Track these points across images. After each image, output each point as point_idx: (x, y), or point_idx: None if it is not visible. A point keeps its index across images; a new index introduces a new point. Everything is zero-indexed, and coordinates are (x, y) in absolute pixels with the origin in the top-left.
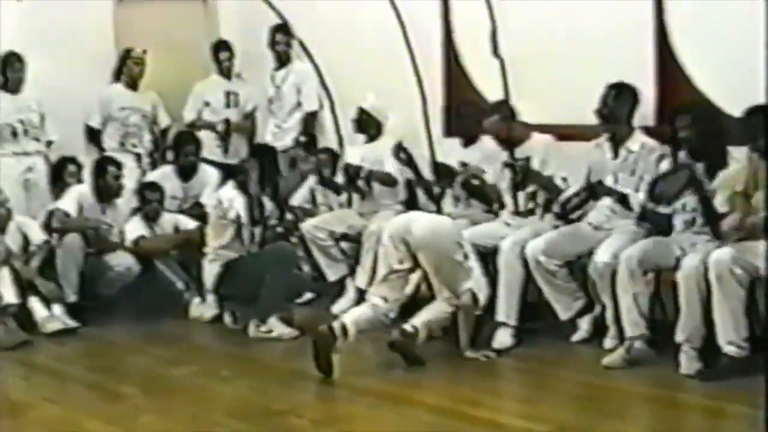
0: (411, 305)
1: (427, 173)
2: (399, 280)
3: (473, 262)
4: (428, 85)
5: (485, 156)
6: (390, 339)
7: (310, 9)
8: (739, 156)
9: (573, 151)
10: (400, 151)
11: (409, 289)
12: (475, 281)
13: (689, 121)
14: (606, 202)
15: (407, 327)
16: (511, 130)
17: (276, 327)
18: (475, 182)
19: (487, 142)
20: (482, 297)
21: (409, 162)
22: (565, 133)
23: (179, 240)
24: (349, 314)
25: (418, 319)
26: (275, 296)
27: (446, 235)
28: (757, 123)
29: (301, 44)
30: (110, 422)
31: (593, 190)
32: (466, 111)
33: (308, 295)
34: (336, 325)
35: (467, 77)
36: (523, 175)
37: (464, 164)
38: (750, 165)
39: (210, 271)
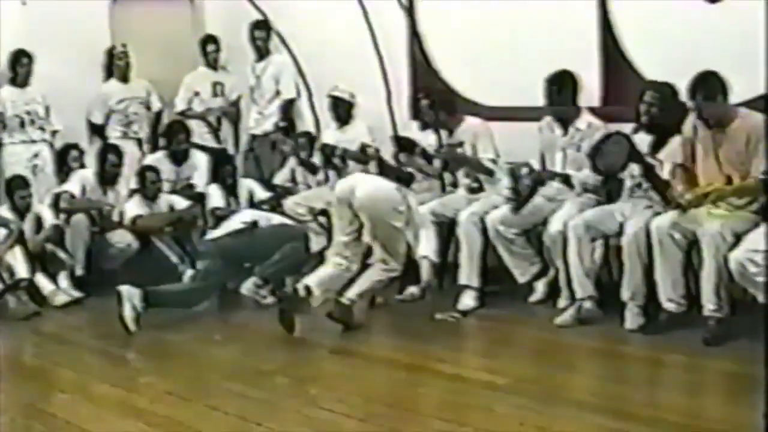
0: None
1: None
2: (352, 240)
3: (430, 231)
4: (393, 74)
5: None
6: (328, 311)
7: (288, 6)
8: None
9: (526, 130)
10: (366, 148)
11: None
12: (430, 248)
13: (655, 99)
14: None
15: (343, 300)
16: (436, 117)
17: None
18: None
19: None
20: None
21: (376, 155)
22: (518, 116)
23: (173, 218)
24: (312, 276)
25: (353, 290)
26: (283, 267)
27: (384, 200)
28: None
29: (280, 38)
30: (115, 384)
31: (539, 179)
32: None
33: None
34: (299, 286)
35: (432, 67)
36: (450, 159)
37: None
38: (683, 138)
39: None
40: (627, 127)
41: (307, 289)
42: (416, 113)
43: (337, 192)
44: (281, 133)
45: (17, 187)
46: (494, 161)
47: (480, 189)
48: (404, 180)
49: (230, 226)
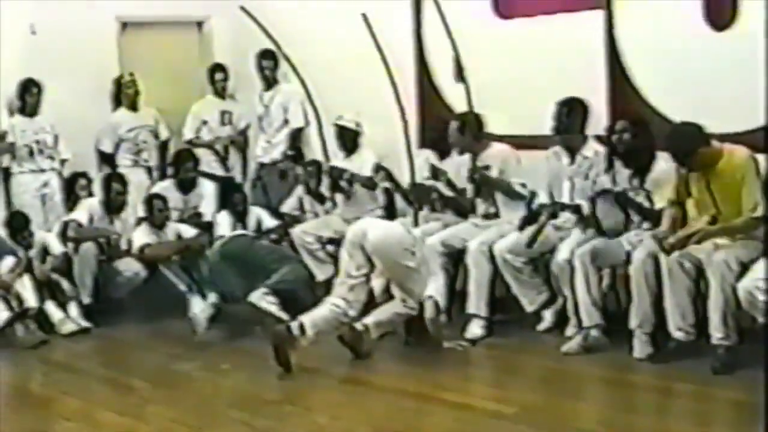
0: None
1: (405, 184)
2: (358, 284)
3: (436, 268)
4: (404, 103)
5: (456, 167)
6: (339, 333)
7: (299, 33)
8: (664, 159)
9: (531, 160)
10: (379, 170)
11: (376, 288)
12: (436, 288)
13: (626, 125)
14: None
15: (358, 325)
16: (466, 140)
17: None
18: (449, 194)
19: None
20: (441, 302)
21: (389, 178)
22: (526, 143)
23: (181, 247)
24: (308, 314)
25: (370, 318)
26: (288, 280)
27: (397, 242)
28: (684, 135)
29: (291, 65)
30: (122, 413)
31: (554, 212)
32: (437, 126)
33: None
34: (294, 324)
35: (440, 95)
36: (483, 183)
37: (435, 169)
38: (677, 175)
39: None
40: None
41: (301, 327)
42: (424, 141)
43: (349, 236)
44: (289, 162)
45: (18, 225)
46: (524, 185)
47: (496, 215)
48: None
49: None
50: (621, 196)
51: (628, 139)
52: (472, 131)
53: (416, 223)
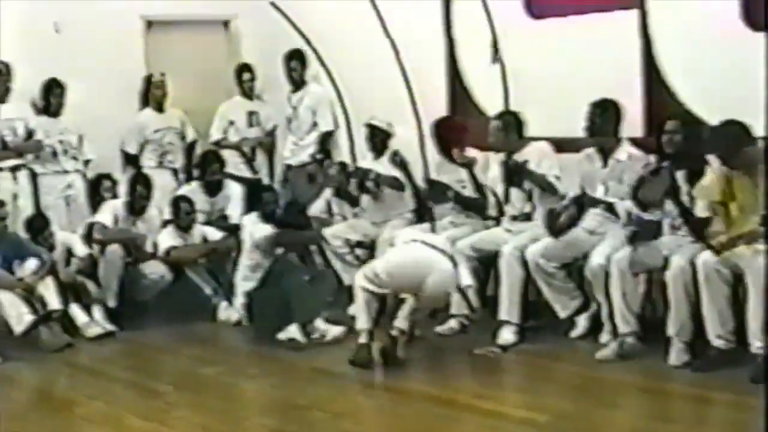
0: None
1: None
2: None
3: (464, 262)
4: (429, 104)
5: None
6: (382, 346)
7: (330, 32)
8: (714, 164)
9: (565, 161)
10: (395, 156)
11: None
12: (470, 278)
13: (677, 126)
14: (596, 209)
15: (394, 332)
16: (508, 140)
17: (329, 330)
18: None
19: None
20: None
21: (403, 167)
22: (559, 145)
23: (207, 249)
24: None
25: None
26: (312, 303)
27: (450, 286)
28: (727, 134)
29: (322, 64)
30: (147, 417)
31: (580, 203)
32: (448, 129)
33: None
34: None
35: (470, 96)
36: (516, 171)
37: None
38: (721, 176)
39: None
40: None
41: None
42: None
43: (408, 268)
44: (318, 165)
45: (38, 227)
46: (558, 178)
47: (528, 217)
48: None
49: None
50: (674, 188)
51: (679, 140)
52: (514, 130)
53: (433, 228)
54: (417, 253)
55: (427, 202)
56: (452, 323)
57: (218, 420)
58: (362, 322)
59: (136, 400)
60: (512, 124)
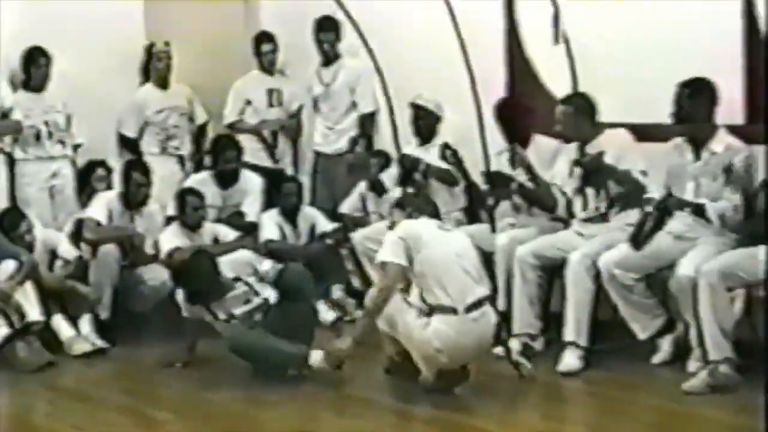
0: None
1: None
2: None
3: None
4: (489, 82)
5: (541, 158)
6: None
7: (371, 2)
8: None
9: (647, 153)
10: (446, 150)
11: None
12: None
13: None
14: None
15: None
16: (579, 126)
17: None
18: (531, 187)
19: (542, 143)
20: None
21: (457, 164)
22: (640, 133)
23: (219, 252)
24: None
25: None
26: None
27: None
28: None
29: (360, 34)
30: None
31: (665, 207)
32: (514, 109)
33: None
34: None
35: (533, 74)
36: (594, 167)
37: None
38: None
39: None
40: None
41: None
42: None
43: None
44: (360, 153)
45: (11, 224)
46: (645, 173)
47: (603, 219)
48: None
49: None
50: None
51: None
52: (585, 116)
53: (493, 228)
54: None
55: (486, 198)
56: (513, 343)
57: None
58: (388, 350)
59: (130, 430)
60: (583, 108)
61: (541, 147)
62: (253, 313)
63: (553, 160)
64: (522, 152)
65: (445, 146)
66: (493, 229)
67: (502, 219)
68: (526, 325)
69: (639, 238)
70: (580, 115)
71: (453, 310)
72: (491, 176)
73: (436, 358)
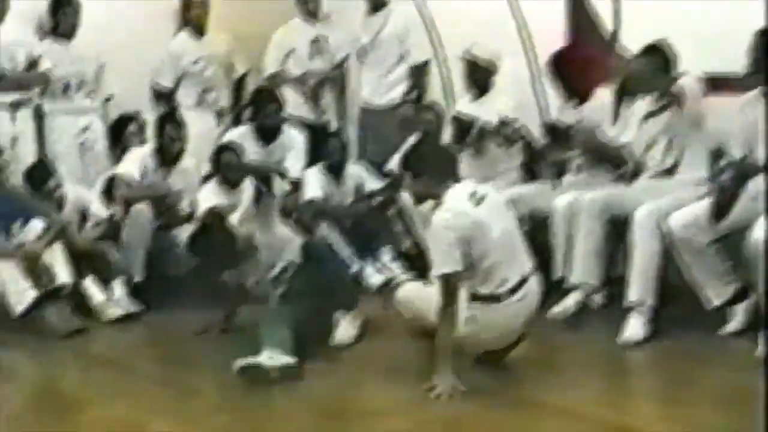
0: None
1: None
2: None
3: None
4: (544, 31)
5: (604, 113)
6: None
7: None
8: None
9: (720, 107)
10: (503, 127)
11: None
12: None
13: None
14: None
15: None
16: (656, 77)
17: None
18: (596, 143)
19: (606, 97)
20: None
21: (518, 137)
22: (713, 85)
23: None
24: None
25: None
26: None
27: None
28: None
29: None
30: (181, 422)
31: (743, 171)
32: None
33: None
34: None
35: (594, 22)
36: (667, 122)
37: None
38: None
39: None
40: None
41: None
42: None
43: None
44: (411, 107)
45: (40, 179)
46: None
47: (670, 172)
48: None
49: None
50: None
51: None
52: (659, 66)
53: (554, 187)
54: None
55: (547, 155)
56: (570, 300)
57: (271, 428)
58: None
59: (165, 401)
60: (657, 61)
61: (604, 101)
62: (280, 277)
63: (617, 114)
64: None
65: (502, 123)
66: (554, 188)
67: (563, 177)
68: (587, 274)
69: (720, 208)
70: (655, 68)
71: (498, 298)
72: (552, 132)
73: (481, 345)
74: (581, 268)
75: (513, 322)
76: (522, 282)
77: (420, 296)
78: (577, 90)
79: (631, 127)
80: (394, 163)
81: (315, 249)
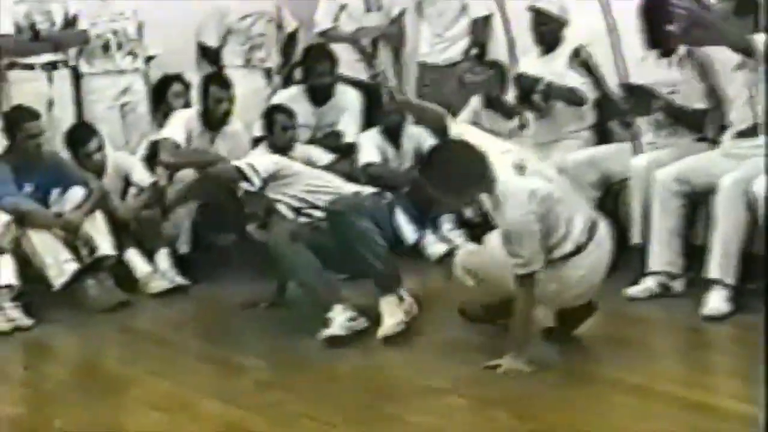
0: None
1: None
2: None
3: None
4: None
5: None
6: None
7: None
8: None
9: None
10: (578, 54)
11: None
12: None
13: None
14: None
15: None
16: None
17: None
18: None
19: (698, 52)
20: None
21: (589, 69)
22: None
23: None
24: None
25: None
26: None
27: None
28: None
29: None
30: (229, 401)
31: None
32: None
33: None
34: None
35: None
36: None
37: None
38: None
39: None
40: None
41: None
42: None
43: None
44: (473, 64)
45: (81, 139)
46: None
47: (754, 132)
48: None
49: None
50: None
51: None
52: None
53: (634, 150)
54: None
55: (624, 113)
56: (649, 282)
57: (325, 406)
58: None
59: (213, 379)
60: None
61: (696, 55)
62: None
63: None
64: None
65: (577, 51)
66: (635, 150)
67: (640, 137)
68: (666, 262)
69: None
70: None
71: (578, 249)
72: (631, 89)
73: (563, 303)
74: (659, 252)
75: (593, 272)
76: (593, 226)
77: (487, 261)
78: (662, 41)
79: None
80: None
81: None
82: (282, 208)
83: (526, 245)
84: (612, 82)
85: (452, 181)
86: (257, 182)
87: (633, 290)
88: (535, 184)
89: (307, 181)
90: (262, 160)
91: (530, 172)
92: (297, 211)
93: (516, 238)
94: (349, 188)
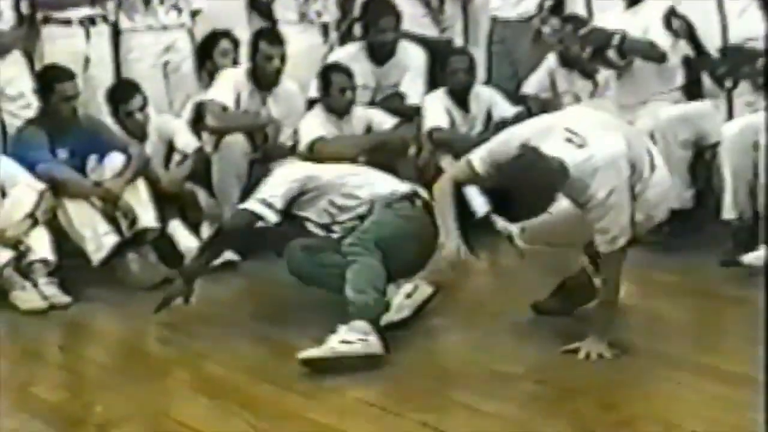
0: None
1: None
2: None
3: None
4: None
5: None
6: None
7: None
8: None
9: None
10: (673, 17)
11: None
12: None
13: None
14: None
15: None
16: None
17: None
18: None
19: None
20: None
21: (686, 33)
22: None
23: (373, 143)
24: None
25: None
26: None
27: None
28: None
29: None
30: (283, 386)
31: None
32: None
33: None
34: None
35: None
36: None
37: None
38: None
39: None
40: None
41: None
42: None
43: None
44: (550, 17)
45: (122, 97)
46: None
47: None
48: None
49: None
50: None
51: None
52: None
53: (730, 113)
54: None
55: (721, 74)
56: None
57: (391, 392)
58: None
59: (267, 362)
60: None
61: None
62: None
63: None
64: None
65: (671, 11)
66: (730, 113)
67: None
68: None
69: None
70: None
71: None
72: (728, 50)
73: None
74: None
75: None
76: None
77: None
78: None
79: None
80: (530, 86)
81: None
82: (310, 226)
83: (617, 219)
84: (709, 36)
85: (538, 198)
86: (274, 219)
87: (748, 258)
88: (602, 155)
89: (334, 195)
90: (280, 187)
91: (591, 138)
92: (326, 228)
93: (609, 214)
94: (384, 188)
